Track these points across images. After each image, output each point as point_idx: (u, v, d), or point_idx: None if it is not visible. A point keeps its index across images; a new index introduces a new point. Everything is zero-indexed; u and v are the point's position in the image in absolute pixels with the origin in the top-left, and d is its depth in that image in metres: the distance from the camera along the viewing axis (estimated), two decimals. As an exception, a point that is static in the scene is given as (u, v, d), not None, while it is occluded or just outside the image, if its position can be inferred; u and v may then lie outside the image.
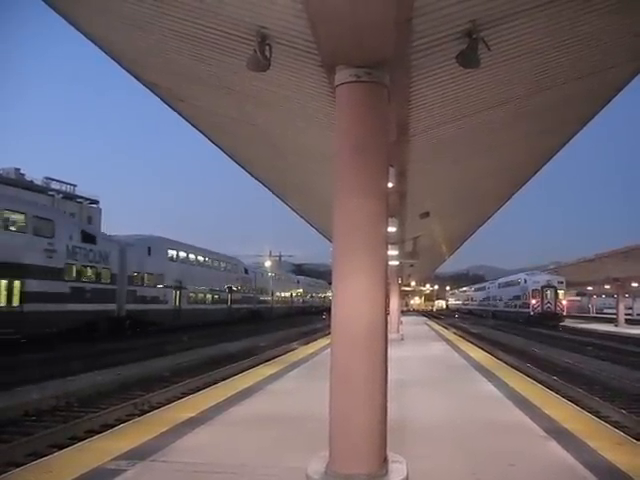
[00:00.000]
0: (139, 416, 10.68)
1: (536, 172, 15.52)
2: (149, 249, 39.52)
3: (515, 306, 71.79)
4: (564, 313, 66.09)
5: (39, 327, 26.33)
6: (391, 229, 16.11)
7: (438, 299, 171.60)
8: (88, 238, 31.78)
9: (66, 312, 28.35)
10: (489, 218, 25.17)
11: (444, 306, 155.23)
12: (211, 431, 8.23)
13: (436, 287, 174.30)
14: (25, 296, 25.86)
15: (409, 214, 18.76)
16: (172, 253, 43.67)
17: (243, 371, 16.16)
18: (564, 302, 67.00)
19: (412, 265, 37.36)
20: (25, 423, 12.64)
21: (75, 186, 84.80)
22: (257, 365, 17.73)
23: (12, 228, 26.33)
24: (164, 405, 11.50)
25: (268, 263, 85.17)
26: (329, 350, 5.56)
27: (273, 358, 19.94)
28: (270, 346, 30.07)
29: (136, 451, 6.97)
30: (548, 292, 64.51)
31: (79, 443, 7.92)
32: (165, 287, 41.11)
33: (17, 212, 26.81)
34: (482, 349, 25.72)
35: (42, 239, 27.50)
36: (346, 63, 5.33)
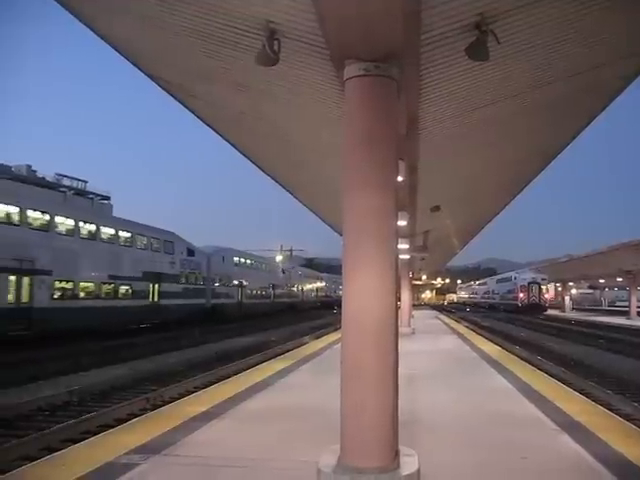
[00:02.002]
0: (152, 410, 10.73)
1: (547, 164, 15.43)
2: (223, 257, 53.86)
3: (508, 299, 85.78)
4: (547, 305, 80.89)
5: (167, 316, 38.90)
6: (401, 223, 16.09)
7: (449, 293, 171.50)
8: (190, 252, 44.99)
9: (180, 305, 41.41)
10: (500, 211, 25.05)
11: (455, 300, 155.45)
12: (223, 425, 8.26)
13: (447, 281, 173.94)
14: (161, 294, 38.73)
15: (419, 207, 18.71)
16: (236, 259, 58.01)
17: (255, 366, 16.22)
18: (546, 295, 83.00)
19: (423, 259, 37.18)
20: (39, 418, 12.74)
21: (86, 182, 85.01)
22: (269, 359, 17.78)
23: (151, 249, 38.86)
24: (176, 400, 11.58)
25: (279, 258, 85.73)
26: (340, 344, 5.57)
27: (284, 352, 20.00)
28: (281, 340, 30.19)
29: (149, 445, 7.02)
30: (533, 287, 79.52)
31: (92, 437, 7.98)
32: (232, 286, 54.95)
33: (156, 238, 39.69)
34: (493, 342, 25.75)
35: (168, 255, 41.05)
36: (355, 57, 5.32)
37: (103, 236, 33.13)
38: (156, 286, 38.26)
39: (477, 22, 5.59)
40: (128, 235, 35.77)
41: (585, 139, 12.65)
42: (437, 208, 18.78)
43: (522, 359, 18.39)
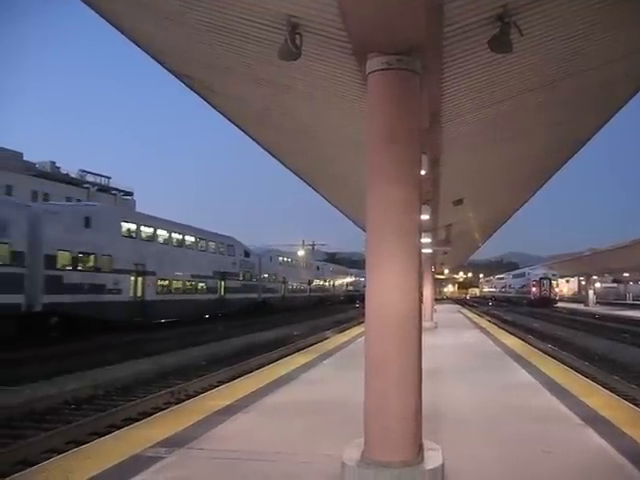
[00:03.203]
0: (176, 404, 10.81)
1: (571, 157, 15.31)
2: (270, 257, 61.34)
3: (523, 292, 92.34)
4: (557, 298, 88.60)
5: (229, 307, 46.49)
6: (424, 217, 16.04)
7: (472, 287, 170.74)
8: (246, 254, 52.52)
9: (240, 298, 49.16)
10: (523, 204, 24.95)
11: (477, 294, 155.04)
12: (247, 419, 8.30)
13: (469, 275, 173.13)
14: (225, 290, 46.35)
15: (442, 201, 18.67)
16: (280, 259, 65.83)
17: (278, 360, 16.27)
18: (556, 290, 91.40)
19: (445, 253, 37.11)
20: (65, 411, 12.89)
21: (109, 178, 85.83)
22: (292, 354, 17.82)
23: (218, 252, 46.58)
24: (201, 393, 11.64)
25: (301, 252, 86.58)
26: (363, 338, 5.57)
27: (307, 347, 20.01)
28: (304, 335, 30.26)
29: (173, 439, 7.06)
30: (544, 282, 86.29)
31: (117, 431, 8.05)
32: (277, 282, 62.56)
33: (221, 243, 47.29)
34: (515, 336, 25.63)
35: (230, 257, 48.57)
36: (377, 51, 5.30)
37: (187, 243, 41.87)
38: (222, 283, 46.23)
39: (500, 14, 5.55)
40: (203, 242, 44.46)
41: (609, 131, 12.52)
42: (459, 202, 18.71)
43: (545, 353, 18.26)
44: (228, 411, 8.68)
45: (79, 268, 29.30)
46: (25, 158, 73.37)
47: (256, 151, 13.15)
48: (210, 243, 45.66)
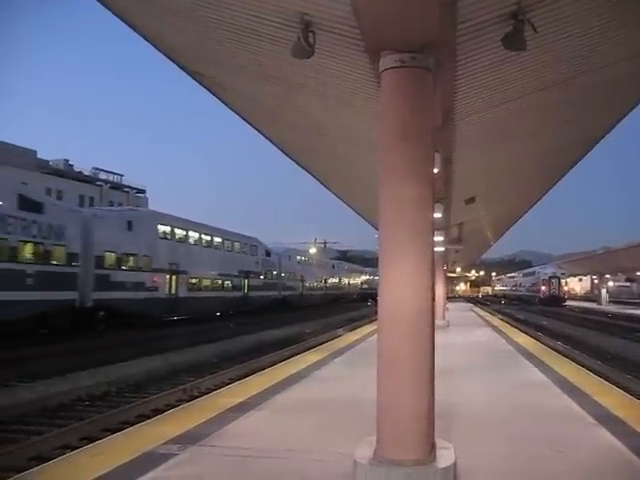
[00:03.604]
0: (188, 402, 10.84)
1: (583, 155, 15.23)
2: (289, 257, 64.68)
3: (532, 291, 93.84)
4: (565, 296, 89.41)
5: (253, 304, 48.84)
6: (436, 215, 15.98)
7: (484, 285, 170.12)
8: (267, 253, 55.46)
9: (262, 296, 51.86)
10: (536, 203, 24.86)
11: (490, 292, 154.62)
12: (259, 416, 8.30)
13: (482, 273, 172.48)
14: (248, 287, 48.85)
15: (454, 200, 18.62)
16: (299, 258, 69.76)
17: (290, 358, 16.28)
18: (565, 288, 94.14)
19: (457, 251, 37.06)
20: (78, 408, 12.95)
21: (122, 176, 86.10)
22: (303, 352, 17.82)
23: (242, 252, 49.07)
24: (213, 391, 11.66)
25: (313, 250, 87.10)
26: (374, 337, 5.56)
27: (319, 345, 19.99)
28: (315, 333, 30.27)
29: (186, 436, 7.08)
30: (553, 281, 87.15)
31: (130, 428, 8.08)
32: (296, 280, 65.42)
33: (245, 244, 49.95)
34: (527, 334, 25.56)
35: (253, 256, 51.24)
36: (390, 48, 5.29)
37: (215, 243, 44.61)
38: (246, 281, 48.90)
39: (513, 11, 5.52)
40: (229, 242, 47.14)
41: (622, 129, 12.41)
42: (472, 200, 18.65)
43: (558, 352, 18.18)
44: (240, 408, 8.69)
45: (123, 268, 32.03)
46: (39, 156, 73.85)
47: (268, 149, 13.16)
48: (235, 244, 48.29)
